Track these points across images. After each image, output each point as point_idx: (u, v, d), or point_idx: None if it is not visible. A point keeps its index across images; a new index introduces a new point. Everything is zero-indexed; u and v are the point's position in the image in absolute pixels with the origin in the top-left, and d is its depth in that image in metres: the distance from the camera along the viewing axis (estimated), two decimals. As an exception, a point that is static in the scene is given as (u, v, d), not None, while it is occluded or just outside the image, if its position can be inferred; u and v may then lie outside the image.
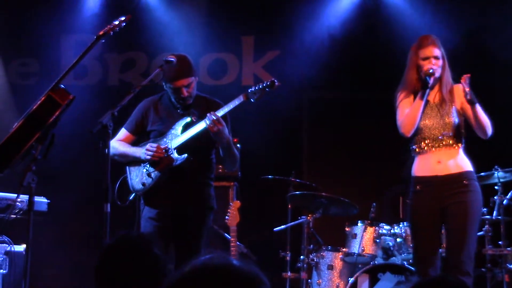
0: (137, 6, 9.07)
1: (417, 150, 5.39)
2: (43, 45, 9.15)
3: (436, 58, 5.35)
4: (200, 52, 9.17)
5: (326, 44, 8.97)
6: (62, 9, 9.10)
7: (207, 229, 5.63)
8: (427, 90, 5.30)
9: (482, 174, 6.86)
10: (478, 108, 5.25)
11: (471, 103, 5.19)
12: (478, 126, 5.31)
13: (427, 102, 5.35)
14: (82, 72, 9.09)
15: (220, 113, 5.42)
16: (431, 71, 5.29)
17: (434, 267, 5.33)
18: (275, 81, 5.48)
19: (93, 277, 2.82)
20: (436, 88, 5.41)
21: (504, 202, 6.91)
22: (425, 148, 5.35)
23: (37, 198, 5.98)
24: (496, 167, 6.87)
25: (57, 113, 4.40)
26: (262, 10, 9.14)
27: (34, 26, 9.07)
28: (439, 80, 5.40)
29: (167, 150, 5.48)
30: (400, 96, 5.47)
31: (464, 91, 5.15)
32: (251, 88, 5.48)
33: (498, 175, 6.87)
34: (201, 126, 5.44)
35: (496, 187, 6.93)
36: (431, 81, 5.29)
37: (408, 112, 5.33)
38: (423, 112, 5.32)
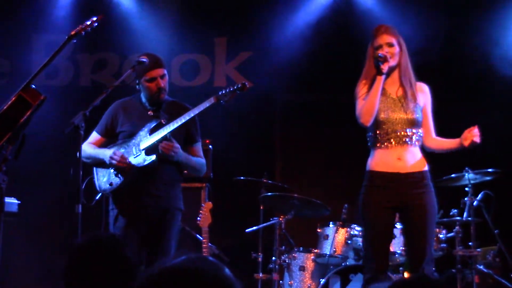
0: (109, 6, 9.03)
1: (376, 144, 5.23)
2: (14, 45, 9.08)
3: (390, 45, 5.22)
4: (172, 53, 9.16)
5: (298, 46, 8.98)
6: (34, 9, 9.04)
7: (176, 230, 5.64)
8: (383, 76, 5.14)
9: (452, 175, 6.92)
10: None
11: (468, 147, 5.17)
12: (441, 151, 5.34)
13: (387, 94, 5.23)
14: (54, 73, 9.04)
15: (191, 115, 5.48)
16: (380, 55, 5.14)
17: (386, 264, 5.30)
18: (246, 83, 5.52)
19: (62, 277, 2.80)
20: (397, 81, 5.29)
21: (475, 203, 6.95)
22: (386, 143, 5.18)
23: (8, 199, 5.93)
24: (466, 168, 6.90)
25: (28, 113, 4.37)
26: (235, 12, 9.14)
27: (5, 26, 9.00)
28: (397, 68, 5.28)
29: (131, 166, 5.50)
30: (360, 88, 5.31)
31: (473, 136, 5.12)
32: (222, 91, 5.52)
33: (469, 176, 6.91)
34: (170, 128, 5.47)
35: (466, 189, 6.97)
36: (384, 66, 5.14)
37: (366, 100, 5.16)
38: (386, 105, 5.20)
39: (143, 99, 5.69)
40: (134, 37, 9.07)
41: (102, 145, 5.72)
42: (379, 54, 5.16)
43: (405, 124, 5.20)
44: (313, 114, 9.16)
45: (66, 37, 4.70)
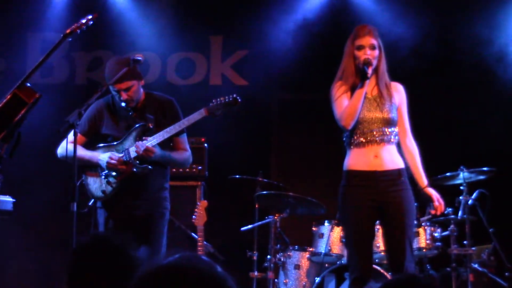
0: (104, 4, 9.02)
1: (353, 143, 5.24)
2: (10, 43, 9.07)
3: (372, 48, 5.21)
4: (168, 51, 9.15)
5: (294, 44, 8.98)
6: (29, 7, 9.03)
7: (165, 228, 5.68)
8: (367, 81, 5.13)
9: (447, 174, 6.93)
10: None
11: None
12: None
13: (365, 94, 5.19)
14: (49, 71, 9.03)
15: (181, 126, 5.54)
16: (368, 60, 5.14)
17: (371, 262, 5.30)
18: (238, 98, 5.55)
19: (59, 276, 2.80)
20: (373, 81, 5.27)
21: (469, 202, 6.96)
22: (363, 141, 5.18)
23: (2, 197, 5.94)
24: (461, 167, 6.91)
25: (23, 111, 4.38)
26: (230, 10, 9.13)
27: (0, 25, 8.99)
28: (375, 71, 5.25)
29: (127, 162, 5.49)
30: (337, 88, 5.28)
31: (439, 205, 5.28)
32: (213, 102, 5.53)
33: (464, 175, 6.92)
34: (159, 138, 5.50)
35: (461, 187, 6.99)
36: (369, 71, 5.13)
37: (348, 104, 5.15)
38: (362, 104, 5.16)
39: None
40: (129, 35, 9.06)
41: (82, 144, 5.64)
42: (367, 59, 5.16)
43: (381, 123, 5.19)
44: (309, 113, 9.15)
45: (62, 36, 4.71)
